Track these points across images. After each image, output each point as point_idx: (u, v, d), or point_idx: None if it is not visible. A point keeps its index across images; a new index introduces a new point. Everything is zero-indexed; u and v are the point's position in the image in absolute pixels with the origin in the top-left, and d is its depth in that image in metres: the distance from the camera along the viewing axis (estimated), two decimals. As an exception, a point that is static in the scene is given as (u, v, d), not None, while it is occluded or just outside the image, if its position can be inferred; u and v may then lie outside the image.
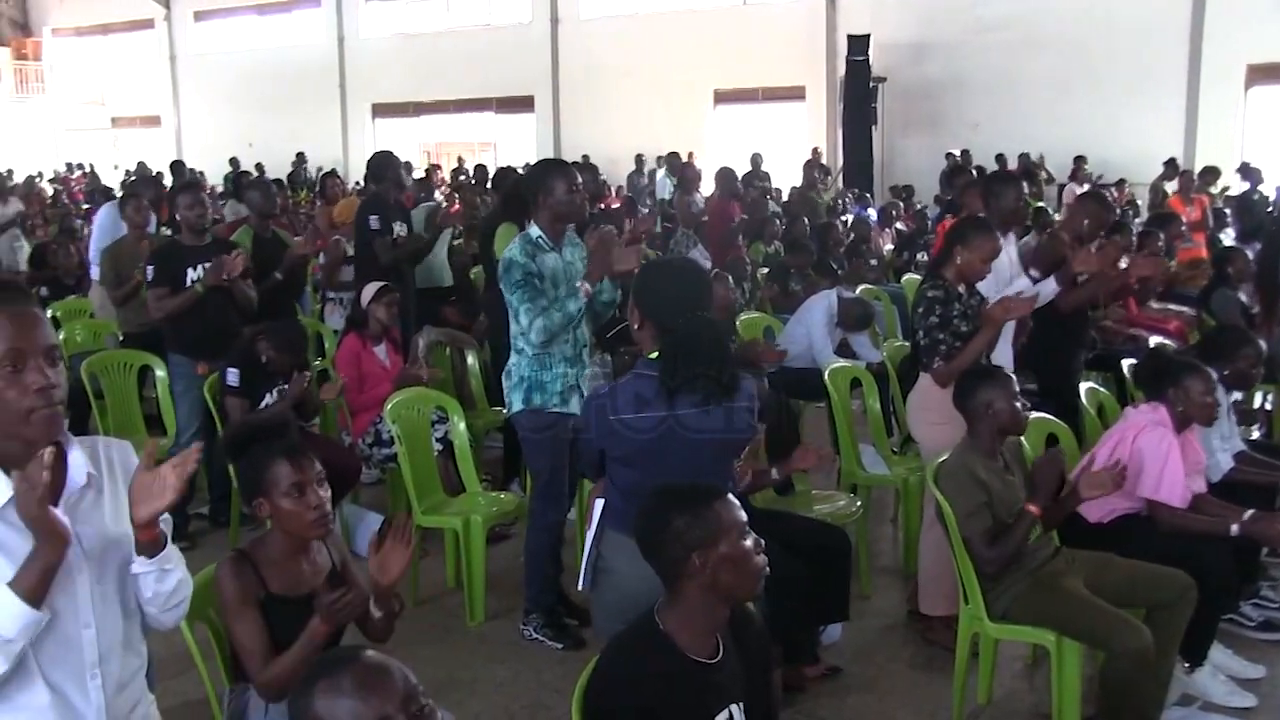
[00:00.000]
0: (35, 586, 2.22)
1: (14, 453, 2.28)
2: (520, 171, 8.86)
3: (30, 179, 19.80)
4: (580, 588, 3.64)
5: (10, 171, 21.17)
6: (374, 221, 7.71)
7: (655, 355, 3.51)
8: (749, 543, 2.66)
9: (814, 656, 4.60)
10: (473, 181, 14.81)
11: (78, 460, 2.38)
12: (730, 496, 2.73)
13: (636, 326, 3.64)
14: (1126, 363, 6.01)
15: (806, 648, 4.57)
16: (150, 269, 6.38)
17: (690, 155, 19.40)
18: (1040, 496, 4.03)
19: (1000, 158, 17.40)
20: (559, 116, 25.55)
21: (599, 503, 3.56)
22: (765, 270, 10.04)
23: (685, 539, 2.64)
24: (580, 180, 5.07)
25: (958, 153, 18.94)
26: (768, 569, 2.69)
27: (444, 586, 5.63)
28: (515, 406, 4.95)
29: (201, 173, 22.61)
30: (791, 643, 4.36)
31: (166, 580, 2.45)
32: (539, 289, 4.73)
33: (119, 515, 2.43)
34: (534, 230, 4.87)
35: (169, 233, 8.41)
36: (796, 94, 23.08)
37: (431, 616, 5.32)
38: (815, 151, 19.90)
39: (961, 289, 4.97)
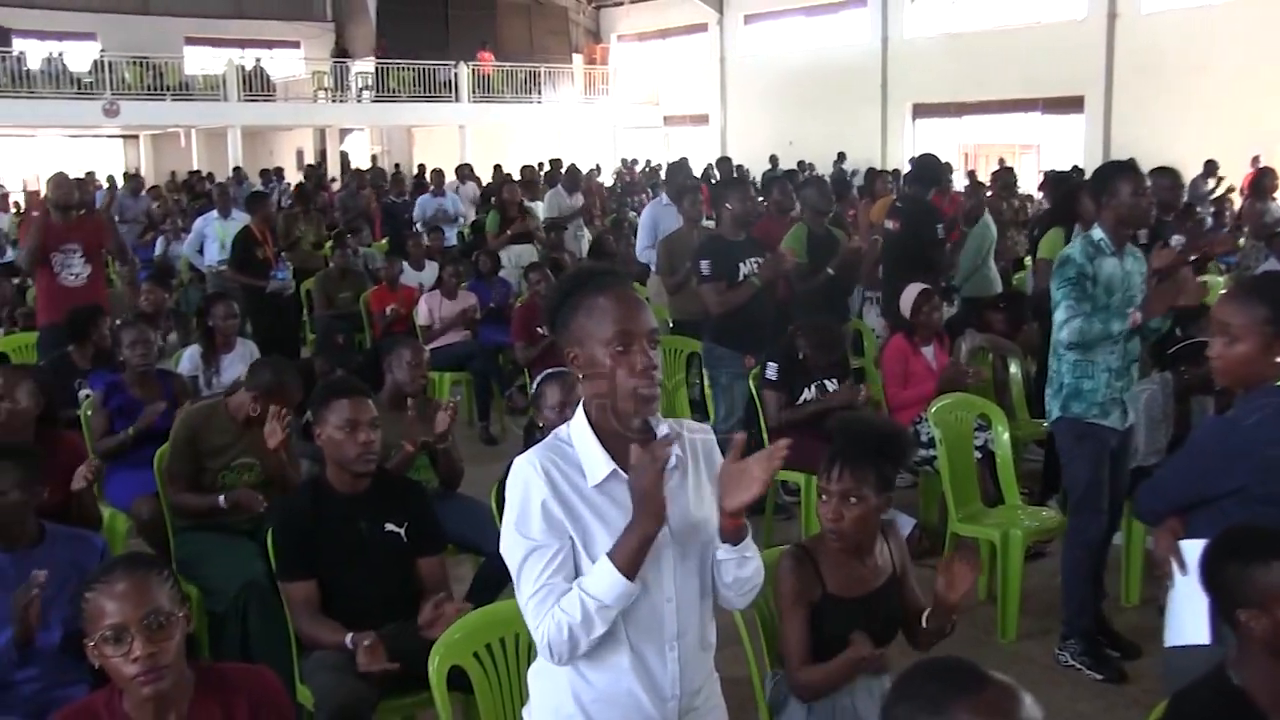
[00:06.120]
0: (632, 559, 2.33)
1: (609, 427, 2.43)
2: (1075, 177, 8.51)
3: (590, 173, 21.34)
4: (1196, 640, 3.06)
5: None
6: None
7: None
8: None
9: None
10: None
11: None
12: None
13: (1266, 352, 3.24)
14: None
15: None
16: (706, 264, 6.60)
17: (1255, 160, 17.76)
18: None
19: None
20: (1110, 117, 24.12)
21: (1190, 544, 3.09)
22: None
23: (1234, 593, 2.36)
24: (1148, 184, 4.84)
25: None
26: None
27: (974, 598, 5.49)
28: (1053, 414, 4.83)
29: (745, 168, 23.55)
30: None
31: (746, 567, 2.51)
32: (1087, 292, 4.59)
33: (700, 500, 2.52)
34: (1097, 232, 4.72)
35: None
36: None
37: (961, 628, 5.14)
38: None
39: None
